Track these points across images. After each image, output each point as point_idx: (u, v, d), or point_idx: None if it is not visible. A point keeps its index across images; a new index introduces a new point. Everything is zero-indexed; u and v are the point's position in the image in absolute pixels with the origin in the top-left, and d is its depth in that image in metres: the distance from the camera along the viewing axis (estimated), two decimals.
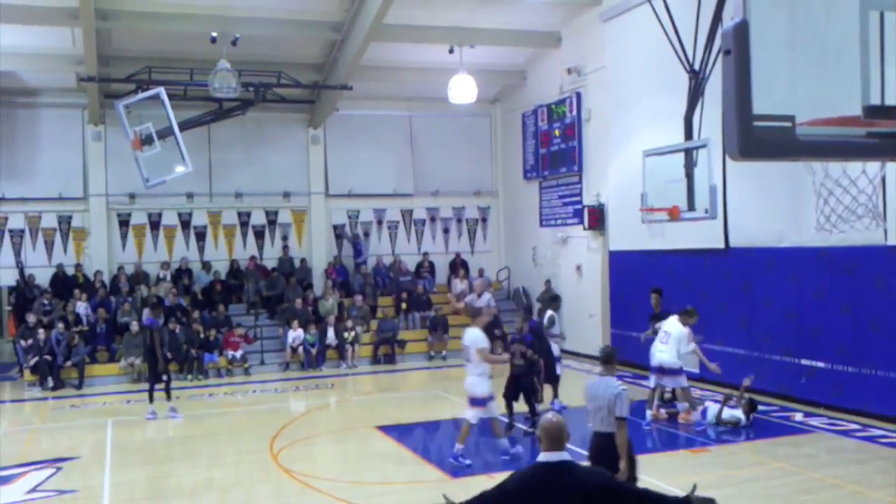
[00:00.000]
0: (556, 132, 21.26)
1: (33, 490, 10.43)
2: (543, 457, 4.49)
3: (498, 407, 11.35)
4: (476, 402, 10.86)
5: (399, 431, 12.77)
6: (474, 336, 10.92)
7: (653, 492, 4.72)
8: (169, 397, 14.67)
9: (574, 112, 20.50)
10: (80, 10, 16.58)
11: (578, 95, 20.37)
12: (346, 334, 20.27)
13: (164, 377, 14.60)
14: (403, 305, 22.18)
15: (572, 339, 20.03)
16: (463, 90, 20.43)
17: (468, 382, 10.98)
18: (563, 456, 4.45)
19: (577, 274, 20.70)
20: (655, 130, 16.11)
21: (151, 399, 14.55)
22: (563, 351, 19.84)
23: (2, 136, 19.76)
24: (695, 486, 4.68)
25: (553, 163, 21.57)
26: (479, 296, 19.11)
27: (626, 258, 18.36)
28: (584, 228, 19.87)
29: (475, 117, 24.47)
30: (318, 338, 20.05)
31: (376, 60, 20.41)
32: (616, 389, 7.40)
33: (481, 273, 23.30)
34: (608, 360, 8.00)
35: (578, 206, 20.46)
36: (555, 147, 21.42)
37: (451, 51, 19.99)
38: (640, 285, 16.35)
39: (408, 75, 22.21)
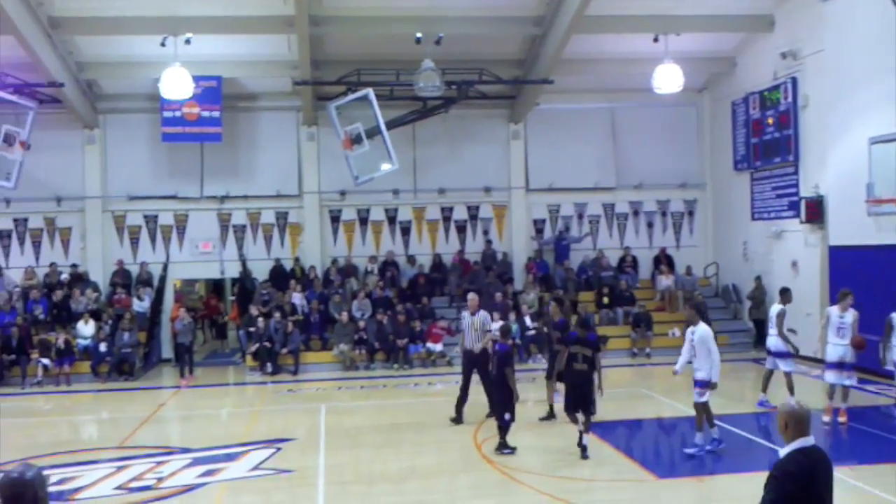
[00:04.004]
0: (770, 120, 20.15)
1: (255, 468, 11.19)
2: (802, 442, 4.70)
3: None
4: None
5: (602, 429, 12.51)
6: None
7: None
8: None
9: (789, 98, 19.36)
10: (296, 18, 17.62)
11: (794, 81, 19.19)
12: (545, 329, 20.17)
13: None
14: (605, 300, 21.83)
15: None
16: (668, 79, 19.75)
17: None
18: (812, 441, 4.73)
19: (793, 270, 19.50)
20: (882, 115, 14.98)
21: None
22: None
23: (226, 139, 21.32)
24: None
25: (766, 152, 20.45)
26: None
27: (850, 254, 17.06)
28: (801, 222, 18.74)
29: (681, 107, 23.61)
30: (518, 328, 20.10)
31: (577, 53, 20.22)
32: None
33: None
34: None
35: (794, 199, 19.29)
36: (768, 136, 20.30)
37: (655, 39, 19.43)
38: (867, 284, 15.08)
39: (609, 67, 21.79)
